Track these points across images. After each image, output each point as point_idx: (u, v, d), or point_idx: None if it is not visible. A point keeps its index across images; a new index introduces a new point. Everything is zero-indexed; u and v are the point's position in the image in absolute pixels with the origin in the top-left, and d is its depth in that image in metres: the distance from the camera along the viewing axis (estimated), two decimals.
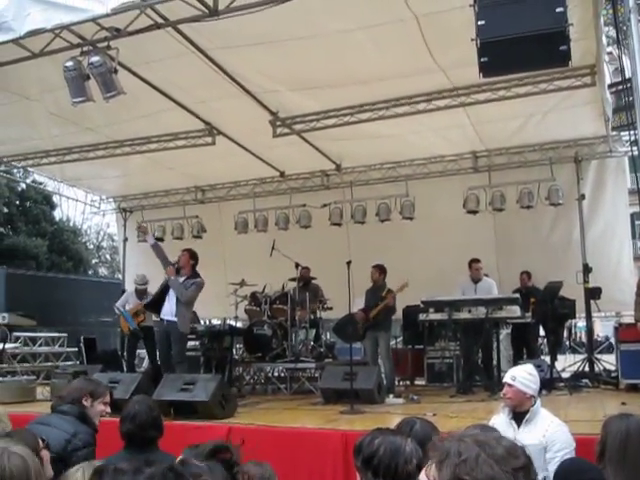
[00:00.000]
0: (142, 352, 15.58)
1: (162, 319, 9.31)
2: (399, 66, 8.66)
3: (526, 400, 4.67)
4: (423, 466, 2.58)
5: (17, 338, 13.78)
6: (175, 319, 9.14)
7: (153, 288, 12.13)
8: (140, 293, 11.95)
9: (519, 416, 4.68)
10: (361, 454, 2.79)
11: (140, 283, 12.04)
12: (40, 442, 3.08)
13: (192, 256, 9.65)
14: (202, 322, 13.14)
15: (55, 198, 27.95)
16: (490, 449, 1.52)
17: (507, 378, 4.76)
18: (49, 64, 7.77)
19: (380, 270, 10.64)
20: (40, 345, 14.34)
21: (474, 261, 10.83)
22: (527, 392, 4.67)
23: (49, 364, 13.61)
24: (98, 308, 18.68)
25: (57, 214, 31.71)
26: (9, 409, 8.33)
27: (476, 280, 10.84)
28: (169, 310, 9.23)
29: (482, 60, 5.32)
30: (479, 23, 5.27)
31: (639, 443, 3.44)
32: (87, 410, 4.24)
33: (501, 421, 4.78)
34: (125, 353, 12.28)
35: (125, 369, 12.33)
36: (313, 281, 12.01)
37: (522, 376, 4.72)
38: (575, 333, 20.38)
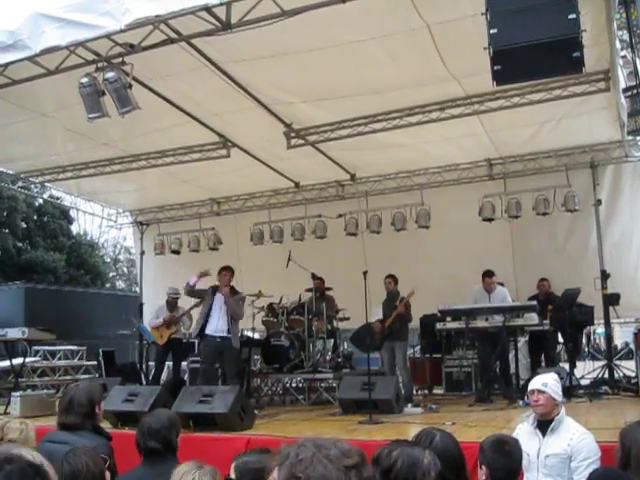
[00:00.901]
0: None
1: (213, 336, 9.68)
2: (412, 75, 8.69)
3: (554, 407, 4.66)
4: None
5: (37, 352, 13.87)
6: (229, 335, 9.64)
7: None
8: (172, 305, 12.13)
9: (544, 425, 4.64)
10: (379, 466, 2.77)
11: (173, 294, 12.17)
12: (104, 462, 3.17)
13: (233, 274, 10.15)
14: None
15: (72, 212, 28.17)
16: (325, 450, 1.67)
17: (538, 385, 4.71)
18: (65, 81, 7.83)
19: (394, 280, 10.65)
20: (59, 359, 14.44)
21: (487, 275, 10.70)
22: (557, 399, 4.66)
23: (68, 377, 13.69)
24: (116, 321, 18.77)
25: (74, 228, 31.98)
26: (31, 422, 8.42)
27: (490, 290, 10.83)
28: (220, 327, 9.69)
29: (495, 68, 5.32)
30: (491, 31, 5.26)
31: None
32: (98, 417, 4.24)
33: (525, 430, 4.76)
34: (154, 365, 12.42)
35: (144, 381, 12.45)
36: (328, 292, 12.00)
37: (552, 383, 4.72)
38: (594, 339, 20.26)
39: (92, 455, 3.27)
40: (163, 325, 11.89)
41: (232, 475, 3.17)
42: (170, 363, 13.15)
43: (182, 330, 12.20)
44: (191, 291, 10.21)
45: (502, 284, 10.95)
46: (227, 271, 10.02)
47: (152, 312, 12.77)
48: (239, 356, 10.17)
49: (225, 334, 9.63)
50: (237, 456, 3.31)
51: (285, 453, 1.68)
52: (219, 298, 9.85)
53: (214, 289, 9.96)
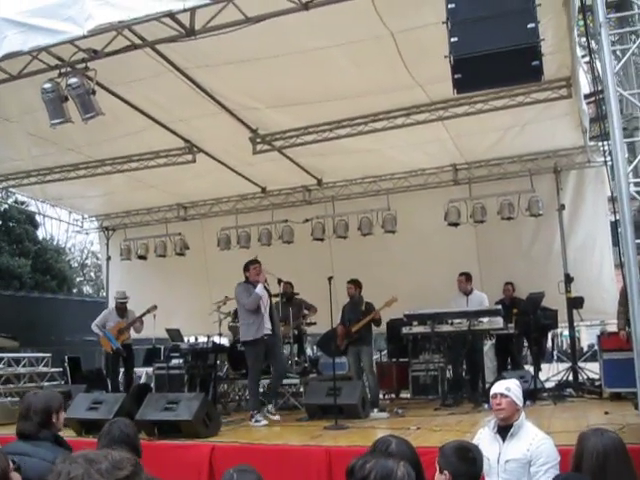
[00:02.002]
0: (138, 370, 15.58)
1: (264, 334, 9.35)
2: (377, 82, 8.73)
3: (516, 412, 4.68)
4: None
5: (0, 359, 13.69)
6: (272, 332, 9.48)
7: (133, 306, 12.24)
8: (121, 310, 12.01)
9: (504, 430, 4.68)
10: (353, 477, 2.78)
11: (121, 298, 12.08)
12: (10, 464, 3.05)
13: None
14: (186, 339, 13.10)
15: (38, 217, 27.85)
16: (97, 464, 1.69)
17: (501, 389, 4.73)
18: (28, 86, 7.74)
19: (356, 285, 10.62)
20: (24, 366, 14.25)
21: (460, 274, 11.01)
22: (518, 404, 4.70)
23: (33, 385, 13.52)
24: (82, 327, 18.44)
25: (40, 233, 31.59)
26: None
27: (466, 293, 10.93)
28: (268, 325, 9.46)
29: (456, 77, 5.36)
30: (452, 40, 5.31)
31: (616, 462, 3.47)
32: (56, 426, 4.18)
33: (486, 435, 4.79)
34: (109, 373, 12.21)
35: (110, 389, 12.33)
36: (296, 296, 12.01)
37: (514, 388, 4.74)
38: (561, 342, 20.48)
39: None
40: (114, 331, 11.73)
41: None
42: (141, 369, 13.08)
43: (133, 335, 12.11)
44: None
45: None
46: (258, 264, 9.68)
47: (98, 318, 12.29)
48: None
49: (270, 331, 9.43)
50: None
51: (57, 471, 1.70)
52: (263, 294, 9.46)
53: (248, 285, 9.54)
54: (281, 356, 9.78)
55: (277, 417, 9.30)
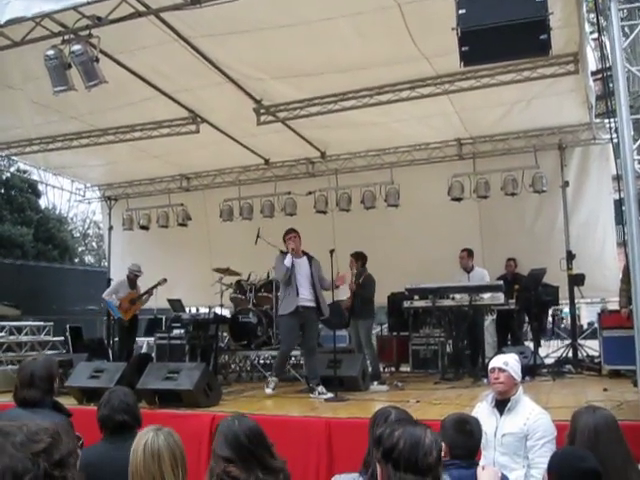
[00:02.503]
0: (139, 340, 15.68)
1: (298, 306, 8.86)
2: (382, 54, 8.65)
3: (513, 386, 4.71)
4: (444, 456, 2.62)
5: (2, 327, 13.74)
6: (314, 305, 8.99)
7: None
8: (133, 282, 12.24)
9: (501, 404, 4.70)
10: (381, 446, 2.79)
11: (136, 271, 12.31)
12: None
13: (358, 258, 9.93)
14: (187, 310, 13.15)
15: (40, 186, 27.81)
16: (12, 437, 1.63)
17: (499, 363, 4.76)
18: (31, 52, 7.69)
19: (356, 258, 10.46)
20: (26, 334, 14.28)
21: (462, 250, 11.07)
22: (516, 379, 4.72)
23: (34, 353, 13.57)
24: (84, 297, 18.61)
25: (43, 202, 31.57)
26: None
27: (467, 269, 10.94)
28: (307, 296, 8.96)
29: (463, 49, 5.33)
30: (460, 12, 5.27)
31: (608, 439, 3.48)
32: (55, 392, 4.19)
33: (484, 409, 4.82)
34: (118, 342, 12.36)
35: (111, 358, 12.43)
36: None
37: (513, 362, 4.76)
38: (561, 319, 20.54)
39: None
40: (126, 301, 11.91)
41: None
42: (142, 339, 13.17)
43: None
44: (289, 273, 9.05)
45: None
46: (295, 234, 9.23)
47: (111, 286, 12.76)
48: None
49: (310, 303, 8.96)
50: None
51: None
52: (300, 264, 9.08)
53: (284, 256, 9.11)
54: (311, 333, 9.17)
55: (327, 395, 8.41)
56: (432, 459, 2.66)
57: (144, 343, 14.30)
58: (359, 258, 10.46)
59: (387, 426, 2.84)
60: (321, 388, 8.52)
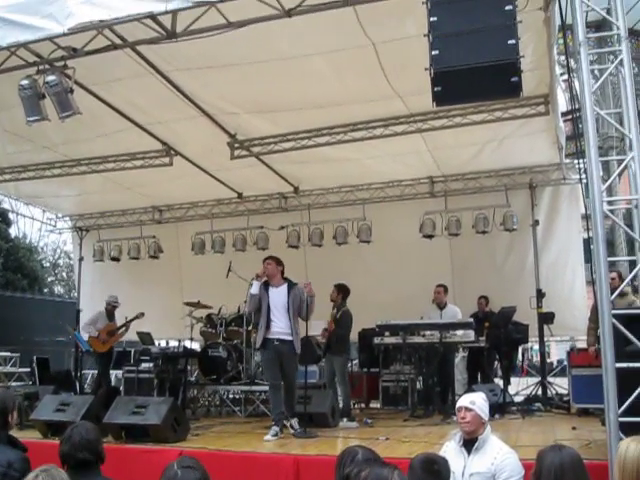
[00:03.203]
0: (96, 372, 15.47)
1: (272, 339, 8.47)
2: (357, 91, 8.75)
3: (481, 425, 4.70)
4: None
5: None
6: (291, 338, 8.46)
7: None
8: (111, 313, 12.38)
9: (469, 443, 4.69)
10: None
11: (114, 302, 12.45)
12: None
13: (278, 262, 8.78)
14: (157, 343, 13.04)
15: (11, 215, 27.56)
16: None
17: (465, 402, 4.76)
18: (5, 81, 7.64)
19: (337, 290, 10.26)
20: None
21: (437, 286, 11.11)
22: (483, 418, 4.71)
23: (0, 384, 13.36)
24: (52, 328, 18.41)
25: (13, 231, 31.25)
26: None
27: (441, 306, 10.97)
28: (283, 328, 8.48)
29: (435, 89, 5.39)
30: (433, 53, 5.34)
31: (574, 478, 3.48)
32: (10, 426, 4.09)
33: (452, 448, 4.81)
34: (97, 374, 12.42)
35: (79, 390, 12.30)
36: None
37: (479, 401, 4.77)
38: (531, 356, 20.58)
39: None
40: (104, 333, 11.95)
41: None
42: (115, 371, 13.09)
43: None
44: (257, 301, 8.65)
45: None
46: (270, 260, 8.72)
47: (88, 318, 12.74)
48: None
49: (286, 336, 8.43)
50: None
51: None
52: (277, 293, 8.60)
53: (265, 285, 8.65)
54: (288, 368, 8.52)
55: (297, 430, 8.24)
56: None
57: (112, 376, 14.13)
58: (341, 291, 10.25)
59: (354, 466, 2.83)
60: (294, 422, 8.35)
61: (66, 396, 9.34)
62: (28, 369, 13.80)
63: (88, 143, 10.64)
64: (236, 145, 10.48)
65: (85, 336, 12.29)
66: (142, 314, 12.08)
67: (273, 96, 8.98)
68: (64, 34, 6.27)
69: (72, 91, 7.14)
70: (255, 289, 8.62)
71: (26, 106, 7.27)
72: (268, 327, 8.50)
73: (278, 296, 8.59)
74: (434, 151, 11.04)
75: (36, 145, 10.70)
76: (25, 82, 7.17)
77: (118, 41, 7.01)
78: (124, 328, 12.18)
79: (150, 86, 8.58)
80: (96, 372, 12.72)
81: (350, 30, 7.14)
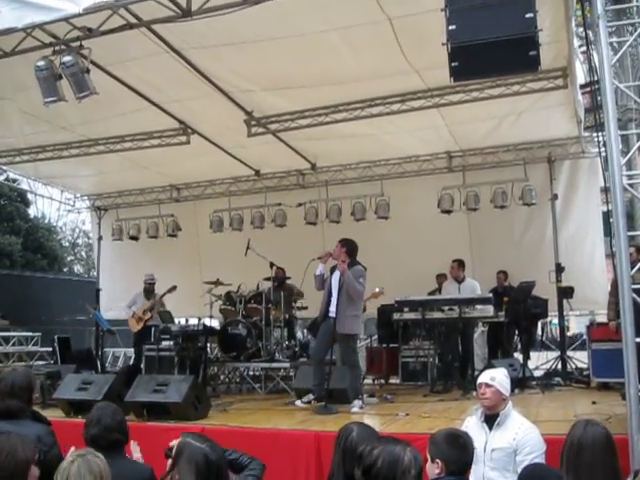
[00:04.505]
0: (117, 351, 15.62)
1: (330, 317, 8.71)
2: (373, 67, 8.69)
3: (501, 402, 4.69)
4: (423, 474, 2.59)
5: None
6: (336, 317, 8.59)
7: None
8: (148, 292, 12.56)
9: (491, 419, 4.70)
10: (361, 464, 2.79)
11: (148, 280, 12.67)
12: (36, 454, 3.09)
13: (344, 244, 8.95)
14: (177, 321, 13.12)
15: (30, 195, 27.72)
16: None
17: (485, 378, 4.76)
18: (21, 63, 7.66)
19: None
20: (13, 345, 14.24)
21: (453, 261, 11.09)
22: (504, 394, 4.71)
23: (22, 364, 13.52)
24: (73, 307, 18.52)
25: (32, 211, 31.47)
26: None
27: (458, 280, 10.95)
28: (332, 308, 8.68)
29: (453, 65, 5.35)
30: (450, 28, 5.29)
31: (592, 455, 3.48)
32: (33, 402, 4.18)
33: (473, 423, 4.82)
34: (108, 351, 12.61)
35: (100, 369, 12.45)
36: (288, 281, 12.03)
37: (500, 377, 4.76)
38: (550, 330, 20.52)
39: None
40: (140, 312, 12.34)
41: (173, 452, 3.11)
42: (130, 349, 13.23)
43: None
44: (323, 281, 8.86)
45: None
46: (339, 243, 8.99)
47: (129, 299, 12.90)
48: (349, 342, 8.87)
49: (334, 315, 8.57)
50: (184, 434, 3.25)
51: None
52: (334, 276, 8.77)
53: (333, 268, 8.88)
54: (340, 347, 8.83)
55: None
56: (411, 477, 2.67)
57: (133, 354, 14.28)
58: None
59: (367, 444, 2.84)
60: (358, 402, 8.34)
61: (88, 375, 9.40)
62: (50, 348, 13.94)
63: (105, 123, 10.67)
64: (253, 122, 10.46)
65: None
66: (174, 287, 12.26)
67: (289, 73, 8.94)
68: (79, 14, 6.23)
69: (88, 71, 7.14)
70: (319, 270, 8.86)
71: (43, 87, 7.27)
72: (323, 305, 8.87)
73: (331, 278, 8.84)
74: (451, 126, 10.97)
75: (53, 126, 10.75)
76: (41, 63, 7.16)
77: (133, 20, 6.97)
78: (159, 304, 12.37)
79: (166, 65, 8.57)
80: (118, 350, 12.85)
81: (366, 5, 7.10)
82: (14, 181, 20.27)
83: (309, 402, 8.49)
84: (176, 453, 3.03)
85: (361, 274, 8.71)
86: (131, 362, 13.11)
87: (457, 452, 3.57)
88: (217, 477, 3.00)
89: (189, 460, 2.98)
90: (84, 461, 2.98)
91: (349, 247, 8.98)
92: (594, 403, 8.12)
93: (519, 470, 4.30)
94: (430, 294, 11.34)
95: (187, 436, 3.14)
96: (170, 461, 3.03)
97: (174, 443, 3.12)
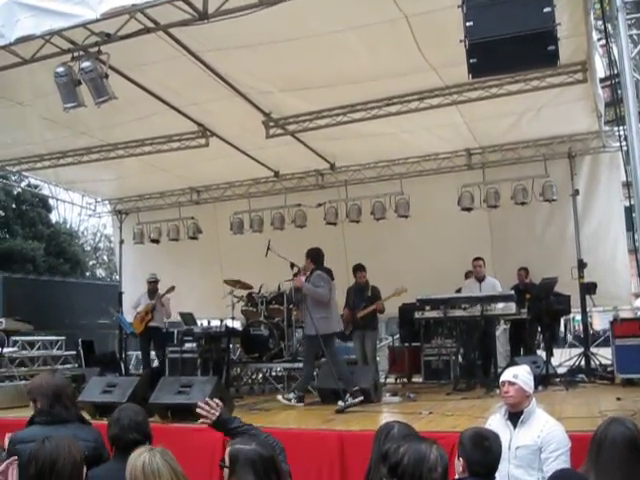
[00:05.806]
0: (140, 354, 15.67)
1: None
2: (391, 66, 8.68)
3: (525, 399, 4.66)
4: (449, 472, 2.58)
5: (14, 342, 13.78)
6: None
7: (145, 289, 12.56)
8: (151, 292, 12.55)
9: (515, 416, 4.67)
10: (387, 462, 2.79)
11: (150, 279, 12.69)
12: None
13: (308, 255, 9.50)
14: (199, 323, 13.17)
15: (51, 201, 27.97)
16: None
17: (508, 376, 4.73)
18: (41, 69, 7.75)
19: (366, 271, 10.71)
20: (38, 349, 14.34)
21: (474, 259, 11.05)
22: (527, 391, 4.67)
23: (47, 368, 13.60)
24: (96, 310, 18.65)
25: (53, 217, 31.73)
26: (7, 414, 8.40)
27: (480, 279, 10.92)
28: None
29: (471, 61, 5.33)
30: (467, 24, 5.28)
31: (611, 453, 3.44)
32: None
33: (497, 421, 4.79)
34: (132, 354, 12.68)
35: (124, 371, 12.52)
36: None
37: (523, 375, 4.72)
38: (573, 327, 20.39)
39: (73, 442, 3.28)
40: (142, 312, 12.28)
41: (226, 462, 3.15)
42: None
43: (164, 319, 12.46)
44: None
45: None
46: (305, 255, 9.53)
47: (134, 300, 13.00)
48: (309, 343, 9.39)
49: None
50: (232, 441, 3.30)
51: None
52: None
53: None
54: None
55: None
56: (437, 475, 2.66)
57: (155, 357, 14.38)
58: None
59: (393, 442, 2.84)
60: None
61: (112, 378, 9.46)
62: (74, 352, 14.01)
63: (124, 127, 10.73)
64: (271, 124, 10.49)
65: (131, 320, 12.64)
66: (172, 288, 12.30)
67: (306, 73, 8.95)
68: (97, 20, 6.29)
69: (107, 76, 7.19)
70: None
71: (63, 93, 7.34)
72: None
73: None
74: (470, 123, 10.93)
75: (74, 131, 10.84)
76: (61, 69, 7.23)
77: (150, 24, 7.02)
78: (159, 304, 12.35)
79: (183, 68, 8.61)
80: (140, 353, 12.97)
81: (382, 4, 7.09)
82: (36, 187, 20.51)
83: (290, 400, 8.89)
84: (231, 461, 3.05)
85: (320, 278, 9.05)
86: (154, 364, 13.15)
87: (480, 454, 3.52)
88: (274, 469, 3.04)
89: (245, 463, 3.01)
90: (162, 452, 3.12)
91: (313, 256, 9.44)
92: (618, 399, 8.07)
93: (544, 468, 4.28)
94: (457, 292, 11.27)
95: (235, 443, 3.18)
96: (226, 471, 3.05)
97: (226, 454, 3.16)
